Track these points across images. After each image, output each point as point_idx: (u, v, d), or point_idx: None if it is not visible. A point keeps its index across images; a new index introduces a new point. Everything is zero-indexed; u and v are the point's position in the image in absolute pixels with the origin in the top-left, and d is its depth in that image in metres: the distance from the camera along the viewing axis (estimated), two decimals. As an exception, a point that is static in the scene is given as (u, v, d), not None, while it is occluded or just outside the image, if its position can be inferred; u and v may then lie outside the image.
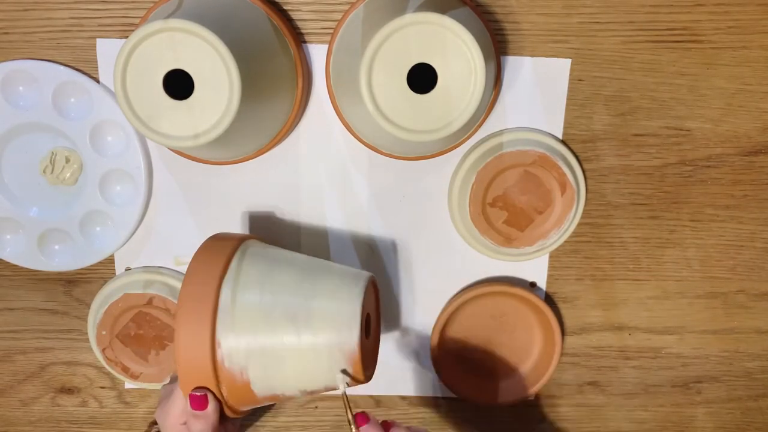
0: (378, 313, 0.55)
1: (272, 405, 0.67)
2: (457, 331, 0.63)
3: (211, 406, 0.47)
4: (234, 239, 0.51)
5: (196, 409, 0.47)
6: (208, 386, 0.47)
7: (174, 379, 0.54)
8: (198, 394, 0.47)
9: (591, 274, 0.63)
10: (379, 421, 0.48)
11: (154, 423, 0.61)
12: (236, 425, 0.54)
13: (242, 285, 0.48)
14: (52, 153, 0.58)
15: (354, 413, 0.47)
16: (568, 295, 0.64)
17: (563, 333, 0.65)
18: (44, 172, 0.58)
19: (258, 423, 0.67)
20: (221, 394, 0.48)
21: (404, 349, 0.65)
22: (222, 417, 0.49)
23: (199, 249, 0.50)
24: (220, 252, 0.49)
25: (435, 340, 0.61)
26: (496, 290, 0.61)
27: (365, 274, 0.50)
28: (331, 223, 0.61)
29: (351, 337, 0.47)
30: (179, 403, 0.50)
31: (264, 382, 0.48)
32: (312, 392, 0.49)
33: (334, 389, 0.49)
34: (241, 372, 0.47)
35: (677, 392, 0.67)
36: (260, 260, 0.50)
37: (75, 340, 0.64)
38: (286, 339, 0.47)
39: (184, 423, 0.49)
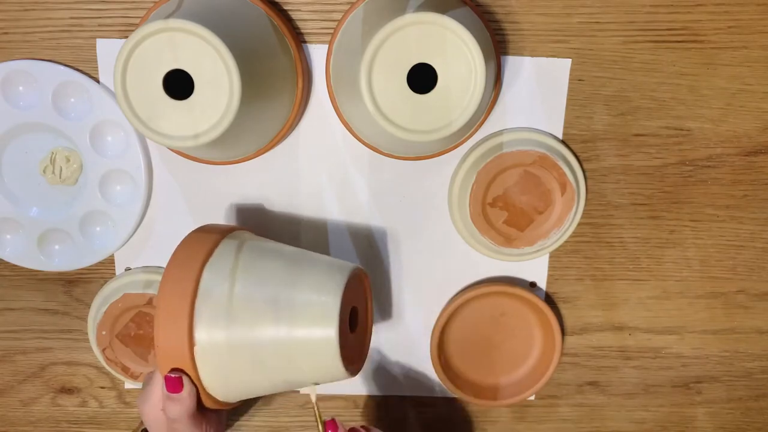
0: (368, 307, 0.54)
1: (272, 404, 0.67)
2: (457, 331, 0.63)
3: (187, 389, 0.46)
4: (222, 228, 0.51)
5: (171, 392, 0.46)
6: (185, 370, 0.46)
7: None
8: (173, 376, 0.46)
9: (591, 274, 0.63)
10: (347, 429, 0.49)
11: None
12: (221, 418, 0.54)
13: (225, 272, 0.47)
14: (52, 153, 0.58)
15: (324, 420, 0.48)
16: (568, 295, 0.64)
17: (563, 333, 0.64)
18: (44, 171, 0.58)
19: (257, 423, 0.67)
20: (199, 380, 0.47)
21: (404, 349, 0.65)
22: (202, 407, 0.49)
23: (186, 236, 0.50)
24: (205, 239, 0.49)
25: (435, 340, 0.61)
26: (496, 290, 0.61)
27: (350, 266, 0.49)
28: (331, 223, 0.61)
29: (330, 329, 0.46)
30: (158, 388, 0.49)
31: (245, 373, 0.47)
32: (299, 385, 0.49)
33: (321, 383, 0.48)
34: (221, 359, 0.46)
35: (677, 392, 0.67)
36: (246, 249, 0.49)
37: (75, 341, 0.64)
38: (266, 330, 0.46)
39: (163, 409, 0.48)
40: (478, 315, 0.63)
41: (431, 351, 0.62)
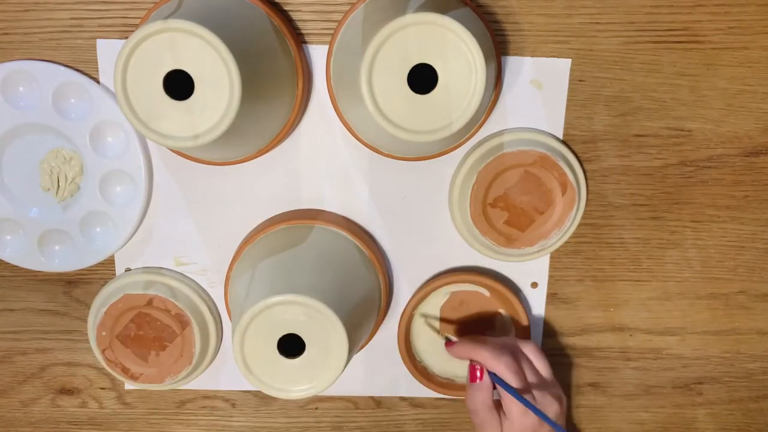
0: None
1: (272, 405, 0.67)
2: (422, 331, 0.63)
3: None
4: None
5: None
6: None
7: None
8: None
9: (592, 274, 0.63)
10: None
11: None
12: None
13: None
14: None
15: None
16: (569, 295, 0.64)
17: (521, 299, 0.62)
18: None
19: (257, 424, 0.67)
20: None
21: (405, 350, 0.65)
22: None
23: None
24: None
25: (402, 344, 0.61)
26: (448, 281, 0.60)
27: None
28: (332, 224, 0.61)
29: None
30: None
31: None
32: None
33: None
34: None
35: (678, 393, 0.67)
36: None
37: (75, 341, 0.64)
38: None
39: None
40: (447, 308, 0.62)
41: (401, 354, 0.61)
